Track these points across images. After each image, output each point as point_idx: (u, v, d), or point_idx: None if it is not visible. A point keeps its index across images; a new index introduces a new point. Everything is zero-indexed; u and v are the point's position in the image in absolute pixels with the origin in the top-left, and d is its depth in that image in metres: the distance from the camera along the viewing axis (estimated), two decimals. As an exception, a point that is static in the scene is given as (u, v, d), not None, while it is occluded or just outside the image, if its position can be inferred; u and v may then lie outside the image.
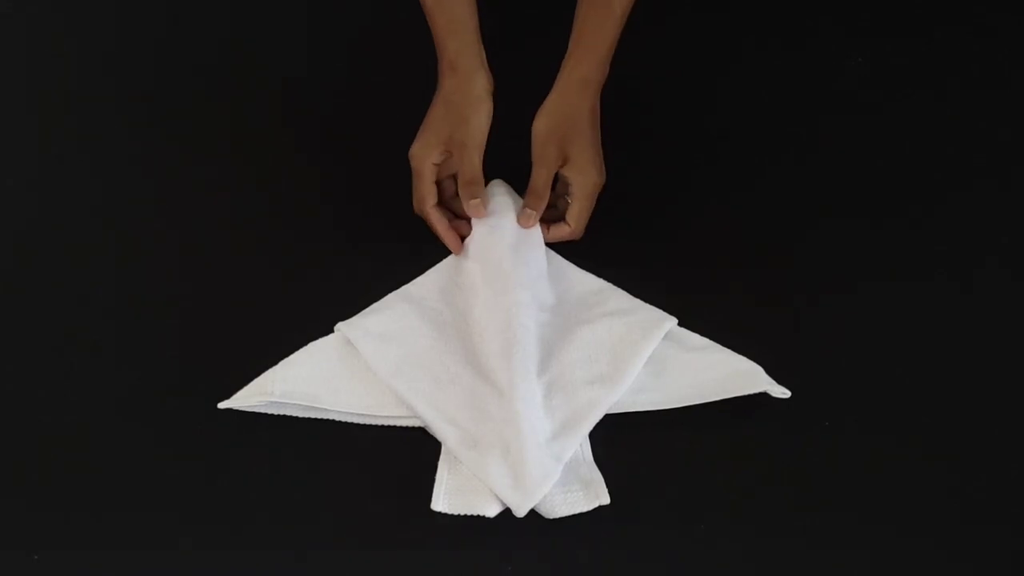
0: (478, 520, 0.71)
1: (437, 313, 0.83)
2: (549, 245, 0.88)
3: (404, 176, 0.87)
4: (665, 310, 0.82)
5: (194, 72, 1.07)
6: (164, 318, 0.85)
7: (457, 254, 0.86)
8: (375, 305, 0.83)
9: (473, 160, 0.84)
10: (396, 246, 0.89)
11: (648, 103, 0.90)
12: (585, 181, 0.85)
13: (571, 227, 0.86)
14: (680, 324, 0.81)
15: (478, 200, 0.85)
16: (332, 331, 0.80)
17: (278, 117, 1.02)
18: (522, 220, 0.86)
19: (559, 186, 0.87)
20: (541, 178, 0.85)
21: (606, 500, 0.71)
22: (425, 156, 0.84)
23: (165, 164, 0.98)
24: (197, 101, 1.04)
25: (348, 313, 0.81)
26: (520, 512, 0.71)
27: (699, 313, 0.82)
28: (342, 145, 0.99)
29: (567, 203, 0.86)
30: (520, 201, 0.89)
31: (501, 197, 0.89)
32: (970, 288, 0.87)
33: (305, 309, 0.83)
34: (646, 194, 0.91)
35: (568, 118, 0.85)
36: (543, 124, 0.86)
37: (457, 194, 0.86)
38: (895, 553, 0.71)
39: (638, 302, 0.84)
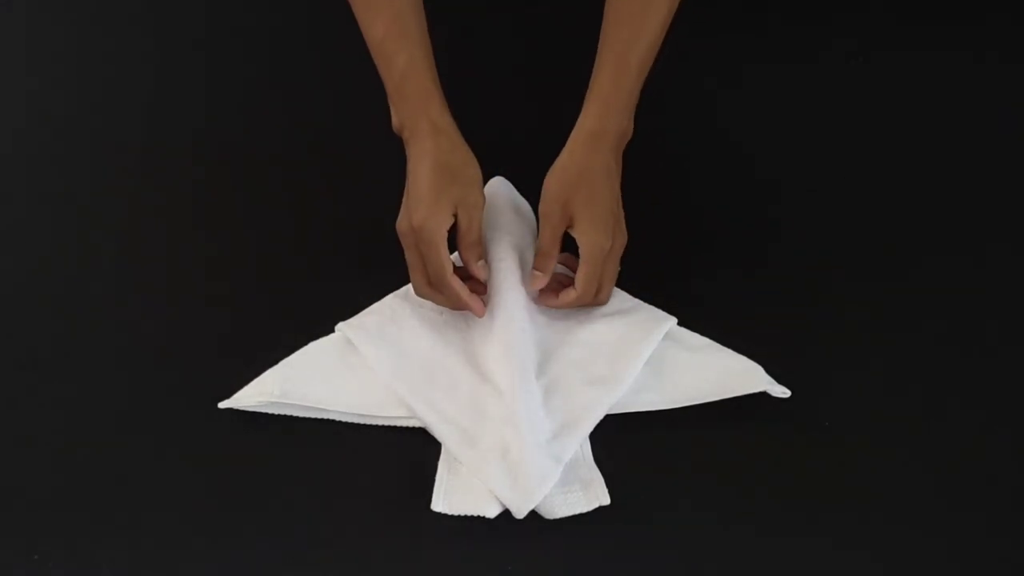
0: (478, 520, 0.71)
1: (437, 314, 0.83)
2: None
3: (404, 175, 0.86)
4: (665, 310, 0.82)
5: (196, 72, 1.08)
6: (164, 318, 0.85)
7: (482, 315, 0.81)
8: (375, 305, 0.83)
9: (480, 221, 0.81)
10: (396, 246, 0.88)
11: (647, 104, 0.90)
12: (591, 243, 0.79)
13: (576, 292, 0.80)
14: (680, 324, 0.82)
15: (484, 260, 0.82)
16: (332, 331, 0.80)
17: (279, 117, 1.03)
18: (531, 283, 0.81)
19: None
20: (546, 238, 0.81)
21: (606, 500, 0.71)
22: (441, 224, 0.77)
23: (166, 164, 0.98)
24: (198, 101, 1.04)
25: (348, 313, 0.81)
26: (520, 513, 0.71)
27: (699, 313, 0.82)
28: (343, 145, 0.99)
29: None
30: (520, 200, 0.89)
31: (499, 194, 0.89)
32: (970, 288, 0.87)
33: (305, 309, 0.83)
34: (646, 194, 0.91)
35: (576, 175, 0.80)
36: (550, 182, 0.81)
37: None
38: (895, 553, 0.71)
39: (638, 302, 0.84)
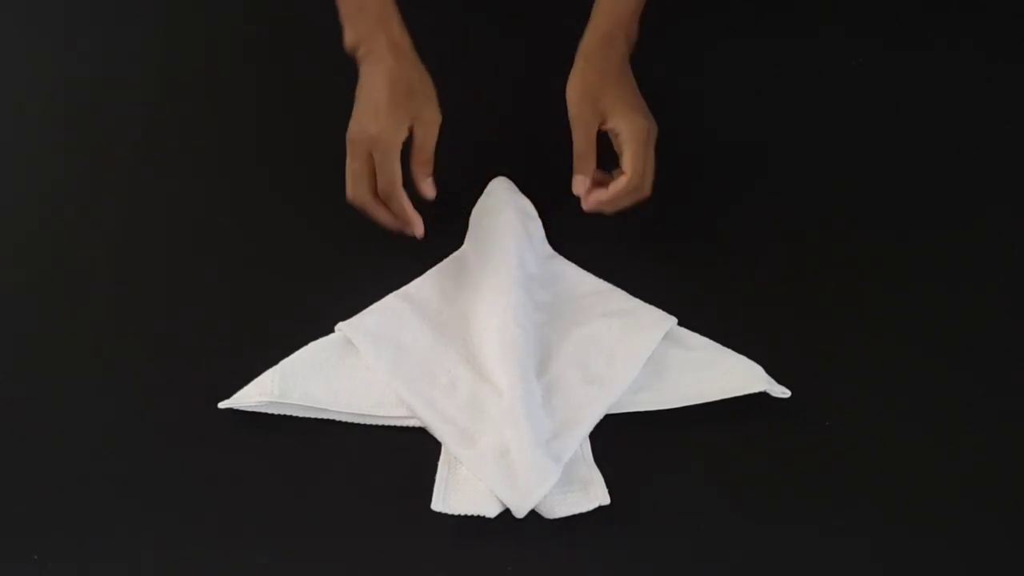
0: (478, 520, 0.71)
1: (437, 313, 0.83)
2: (555, 246, 0.88)
3: (404, 176, 0.86)
4: (665, 310, 0.82)
5: (196, 72, 1.07)
6: (164, 318, 0.84)
7: (421, 236, 0.84)
8: (375, 305, 0.83)
9: (435, 138, 0.83)
10: (396, 246, 0.88)
11: (647, 103, 0.90)
12: (631, 125, 0.82)
13: (627, 174, 0.82)
14: (680, 324, 0.82)
15: (431, 179, 0.85)
16: (332, 331, 0.80)
17: (279, 116, 1.02)
18: (575, 186, 0.84)
19: (614, 143, 0.85)
20: (580, 140, 0.84)
21: (606, 500, 0.71)
22: (398, 136, 0.82)
23: (166, 163, 0.98)
24: (199, 101, 1.04)
25: (348, 313, 0.81)
26: (519, 513, 0.70)
27: (699, 313, 0.82)
28: (342, 145, 0.99)
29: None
30: (521, 198, 0.89)
31: (501, 194, 0.89)
32: (970, 288, 0.87)
33: (305, 309, 0.83)
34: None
35: (597, 75, 0.83)
36: (574, 87, 0.84)
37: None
38: (895, 553, 0.71)
39: (638, 302, 0.84)
